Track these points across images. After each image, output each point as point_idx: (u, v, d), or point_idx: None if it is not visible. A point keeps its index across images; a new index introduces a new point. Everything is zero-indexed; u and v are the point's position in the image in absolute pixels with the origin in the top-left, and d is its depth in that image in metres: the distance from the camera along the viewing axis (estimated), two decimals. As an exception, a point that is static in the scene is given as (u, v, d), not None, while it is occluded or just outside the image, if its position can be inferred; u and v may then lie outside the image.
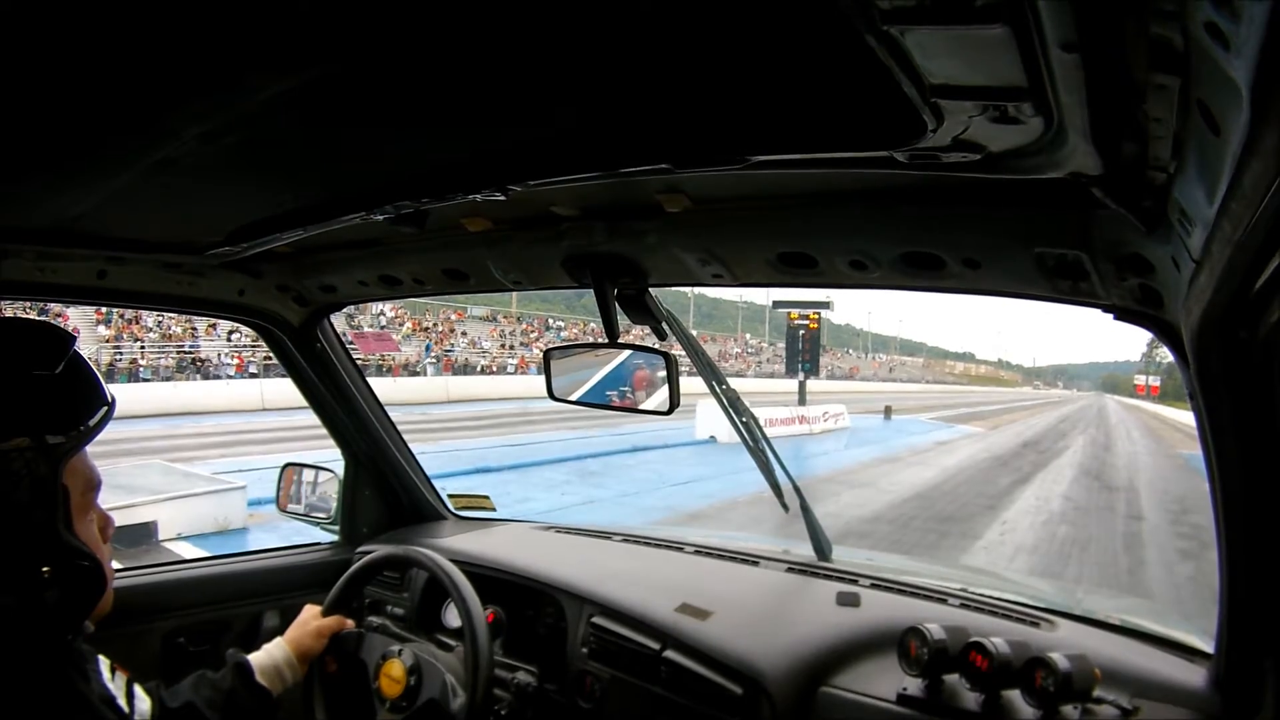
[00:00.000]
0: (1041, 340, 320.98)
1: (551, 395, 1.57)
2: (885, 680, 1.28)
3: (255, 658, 1.37)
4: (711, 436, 15.81)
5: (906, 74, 0.59)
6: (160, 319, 26.21)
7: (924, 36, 0.54)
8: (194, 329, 26.66)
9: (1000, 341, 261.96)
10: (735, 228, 1.19)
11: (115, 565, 1.03)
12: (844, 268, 1.16)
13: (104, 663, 1.03)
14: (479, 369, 34.16)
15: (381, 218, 1.17)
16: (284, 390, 21.47)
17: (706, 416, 16.01)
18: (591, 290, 1.39)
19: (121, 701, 1.06)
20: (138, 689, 1.14)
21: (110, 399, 0.93)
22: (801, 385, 24.40)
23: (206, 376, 24.35)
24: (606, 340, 1.46)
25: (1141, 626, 1.38)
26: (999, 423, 30.62)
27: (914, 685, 1.23)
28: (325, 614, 1.50)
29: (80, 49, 0.69)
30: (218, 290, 1.71)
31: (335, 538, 2.15)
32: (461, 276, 1.57)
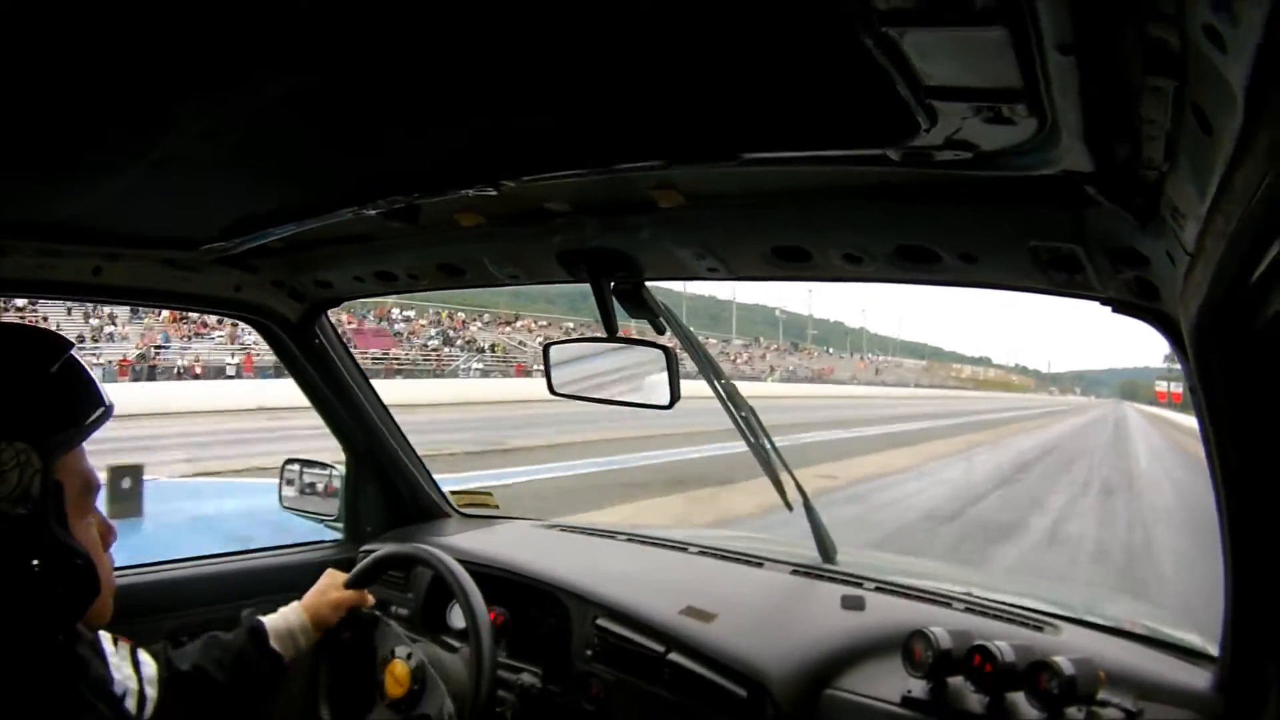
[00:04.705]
0: (1059, 346, 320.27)
1: (551, 390, 1.57)
2: (889, 683, 1.27)
3: (270, 620, 1.39)
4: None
5: (902, 75, 0.59)
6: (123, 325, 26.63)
7: (922, 38, 0.54)
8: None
9: (1016, 346, 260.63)
10: (729, 223, 1.19)
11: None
12: (838, 261, 1.15)
13: (105, 637, 1.06)
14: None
15: (374, 212, 1.17)
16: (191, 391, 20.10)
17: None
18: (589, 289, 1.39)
19: (129, 671, 1.11)
20: (142, 654, 1.17)
21: (108, 402, 0.94)
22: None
23: (152, 378, 24.30)
24: (605, 335, 1.45)
25: (1146, 630, 1.36)
26: (935, 452, 17.64)
27: (918, 688, 1.22)
28: (348, 586, 1.49)
29: (77, 46, 0.69)
30: (213, 286, 1.71)
31: (339, 535, 2.15)
32: (457, 271, 1.57)
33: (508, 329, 47.09)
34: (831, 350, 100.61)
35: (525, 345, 42.83)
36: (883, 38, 0.54)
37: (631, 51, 0.70)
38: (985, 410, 45.62)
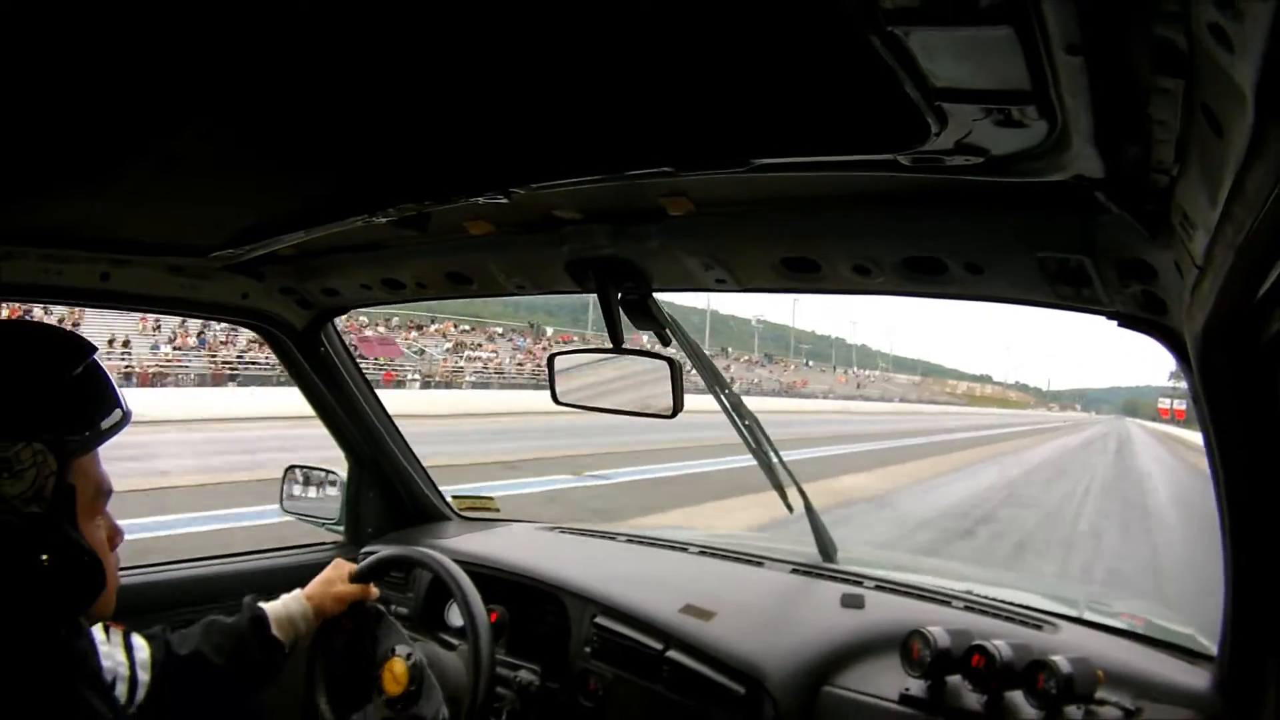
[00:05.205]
0: (1060, 364, 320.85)
1: (555, 399, 1.58)
2: (888, 680, 1.28)
3: (272, 609, 1.38)
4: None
5: (910, 76, 0.59)
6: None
7: (928, 37, 0.54)
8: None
9: (1018, 364, 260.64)
10: (738, 232, 1.19)
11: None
12: (847, 273, 1.16)
13: (96, 626, 1.05)
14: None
15: (383, 220, 1.18)
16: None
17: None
18: (589, 303, 1.39)
19: (121, 656, 1.11)
20: (136, 638, 1.17)
21: (126, 409, 0.95)
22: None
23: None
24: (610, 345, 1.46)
25: (1145, 629, 1.38)
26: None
27: (916, 686, 1.24)
28: (354, 580, 1.49)
29: (84, 51, 0.70)
30: (220, 293, 1.72)
31: (340, 538, 2.16)
32: (464, 280, 1.57)
33: (414, 334, 42.91)
34: (811, 364, 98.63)
35: (425, 353, 40.23)
36: (889, 37, 0.54)
37: (641, 58, 0.71)
38: (957, 428, 36.70)
